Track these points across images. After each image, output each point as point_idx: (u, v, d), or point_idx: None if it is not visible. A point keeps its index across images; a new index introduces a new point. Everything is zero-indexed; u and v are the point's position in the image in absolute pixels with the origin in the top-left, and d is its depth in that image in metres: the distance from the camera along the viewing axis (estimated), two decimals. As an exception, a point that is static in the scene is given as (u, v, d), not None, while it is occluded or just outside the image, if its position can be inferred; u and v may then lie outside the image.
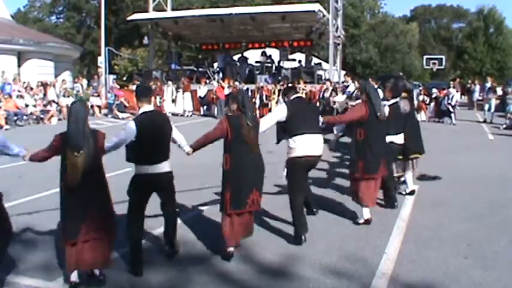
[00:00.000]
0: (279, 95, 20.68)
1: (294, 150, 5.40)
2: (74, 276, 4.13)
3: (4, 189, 4.46)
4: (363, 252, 5.05)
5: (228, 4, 37.12)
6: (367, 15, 51.92)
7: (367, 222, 5.93)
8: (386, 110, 6.22)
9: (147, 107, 4.61)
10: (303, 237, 5.29)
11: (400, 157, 7.05)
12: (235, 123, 4.78)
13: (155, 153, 4.52)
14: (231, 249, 4.84)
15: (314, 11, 22.83)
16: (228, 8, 28.85)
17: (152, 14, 27.87)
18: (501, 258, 4.89)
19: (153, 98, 6.16)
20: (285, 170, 5.63)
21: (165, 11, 28.92)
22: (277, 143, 5.87)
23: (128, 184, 4.60)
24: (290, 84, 6.10)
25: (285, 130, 5.54)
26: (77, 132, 3.99)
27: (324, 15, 23.88)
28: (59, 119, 19.37)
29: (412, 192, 7.37)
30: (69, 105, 20.05)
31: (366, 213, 5.97)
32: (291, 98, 5.66)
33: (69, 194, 4.02)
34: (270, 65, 25.19)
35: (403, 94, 7.20)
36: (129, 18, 27.91)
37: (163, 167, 4.57)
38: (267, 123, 5.47)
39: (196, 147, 5.02)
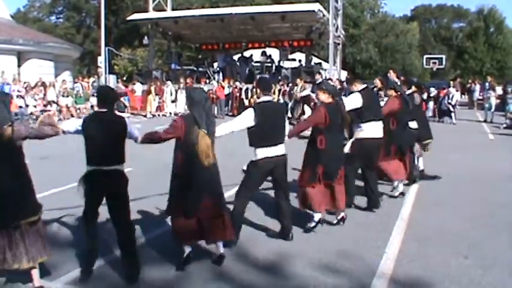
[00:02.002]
0: (279, 95, 20.70)
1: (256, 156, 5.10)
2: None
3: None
4: (363, 252, 5.04)
5: (228, 4, 37.16)
6: (367, 15, 51.87)
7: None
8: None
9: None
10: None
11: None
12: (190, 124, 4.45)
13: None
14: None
15: (314, 11, 22.86)
16: (228, 8, 28.90)
17: (152, 14, 27.89)
18: (501, 258, 4.89)
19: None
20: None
21: (165, 10, 28.94)
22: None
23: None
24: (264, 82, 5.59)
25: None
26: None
27: (323, 15, 23.89)
28: (59, 119, 19.36)
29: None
30: (69, 105, 20.09)
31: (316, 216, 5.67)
32: (258, 102, 5.25)
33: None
34: (270, 64, 25.20)
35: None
36: (129, 18, 27.95)
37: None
38: (227, 129, 5.02)
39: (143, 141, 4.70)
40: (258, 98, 5.32)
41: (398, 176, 7.05)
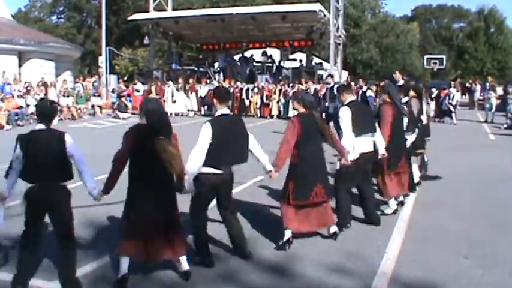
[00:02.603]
0: (279, 95, 20.71)
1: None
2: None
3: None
4: (363, 252, 5.06)
5: (228, 4, 37.16)
6: (367, 15, 51.87)
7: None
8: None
9: None
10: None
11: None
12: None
13: None
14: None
15: (315, 11, 22.85)
16: (228, 8, 28.90)
17: (153, 14, 27.89)
18: (501, 258, 4.90)
19: None
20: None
21: (166, 10, 28.95)
22: None
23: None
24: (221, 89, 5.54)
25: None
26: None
27: (324, 15, 23.89)
28: (60, 119, 19.38)
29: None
30: (69, 105, 20.09)
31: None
32: (216, 115, 4.75)
33: None
34: (270, 64, 25.20)
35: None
36: (130, 18, 27.95)
37: None
38: (198, 158, 4.49)
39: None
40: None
41: (392, 193, 6.42)
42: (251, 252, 4.92)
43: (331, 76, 18.34)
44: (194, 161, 4.46)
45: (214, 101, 4.86)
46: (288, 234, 5.13)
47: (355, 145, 5.60)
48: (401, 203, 6.69)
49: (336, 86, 13.09)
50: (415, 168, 7.65)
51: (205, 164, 4.52)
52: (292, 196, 5.05)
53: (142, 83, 23.45)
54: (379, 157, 6.03)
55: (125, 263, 4.20)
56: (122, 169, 4.16)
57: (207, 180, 4.60)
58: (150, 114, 4.09)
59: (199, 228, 4.78)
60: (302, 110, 5.20)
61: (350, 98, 5.89)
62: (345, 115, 5.65)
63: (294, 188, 5.05)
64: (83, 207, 5.30)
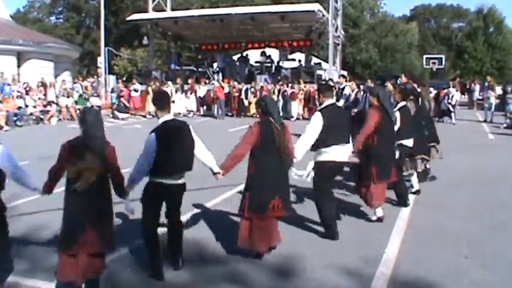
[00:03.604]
0: (278, 95, 20.70)
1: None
2: None
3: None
4: (363, 252, 5.05)
5: (227, 4, 37.15)
6: (366, 15, 51.90)
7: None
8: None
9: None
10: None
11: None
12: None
13: None
14: None
15: (314, 11, 22.86)
16: (227, 8, 28.88)
17: (152, 14, 27.89)
18: (501, 258, 4.89)
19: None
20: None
21: (165, 11, 28.95)
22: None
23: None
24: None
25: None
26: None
27: (323, 15, 23.90)
28: (59, 119, 19.38)
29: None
30: (68, 105, 20.06)
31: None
32: (160, 122, 4.44)
33: None
34: (269, 64, 25.20)
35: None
36: (129, 18, 27.94)
37: None
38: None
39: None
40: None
41: (377, 201, 6.02)
42: (183, 262, 4.64)
43: (344, 76, 18.25)
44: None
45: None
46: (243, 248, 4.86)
47: (329, 152, 5.30)
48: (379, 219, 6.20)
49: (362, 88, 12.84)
50: (414, 177, 7.40)
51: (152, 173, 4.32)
52: (248, 208, 4.69)
53: (141, 84, 23.44)
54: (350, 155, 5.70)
55: None
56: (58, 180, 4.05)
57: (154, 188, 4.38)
58: (84, 125, 3.91)
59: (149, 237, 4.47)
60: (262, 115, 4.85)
61: (329, 100, 5.52)
62: (315, 121, 5.31)
63: (249, 201, 4.69)
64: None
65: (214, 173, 4.77)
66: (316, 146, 5.34)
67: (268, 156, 4.68)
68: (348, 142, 5.52)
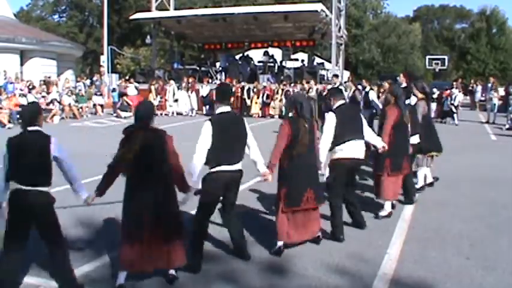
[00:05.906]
0: (281, 95, 20.70)
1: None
2: None
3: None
4: (365, 252, 5.05)
5: (230, 3, 37.23)
6: (369, 15, 51.92)
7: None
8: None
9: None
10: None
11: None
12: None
13: None
14: None
15: (317, 11, 22.85)
16: (230, 8, 28.93)
17: (155, 13, 27.91)
18: (503, 259, 4.89)
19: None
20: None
21: (168, 10, 28.96)
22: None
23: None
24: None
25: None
26: None
27: (326, 15, 23.89)
28: (62, 118, 19.40)
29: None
30: (71, 104, 20.05)
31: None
32: (216, 113, 4.67)
33: None
34: (272, 64, 25.21)
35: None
36: (132, 17, 27.96)
37: None
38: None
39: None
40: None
41: (389, 196, 6.28)
42: (250, 255, 4.87)
43: (336, 76, 18.28)
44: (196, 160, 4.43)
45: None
46: (279, 243, 5.02)
47: (344, 150, 5.41)
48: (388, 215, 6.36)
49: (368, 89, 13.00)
50: (427, 171, 7.74)
51: (208, 163, 4.48)
52: (284, 203, 4.90)
53: (139, 82, 23.23)
54: (380, 151, 5.95)
55: (122, 272, 4.17)
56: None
57: (217, 178, 4.53)
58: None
59: (200, 229, 4.68)
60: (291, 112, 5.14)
61: (340, 101, 5.65)
62: (329, 120, 5.46)
63: (285, 194, 4.89)
64: (78, 206, 5.30)
65: (260, 173, 4.91)
66: (333, 144, 5.43)
67: (298, 150, 4.85)
68: (363, 138, 5.61)
